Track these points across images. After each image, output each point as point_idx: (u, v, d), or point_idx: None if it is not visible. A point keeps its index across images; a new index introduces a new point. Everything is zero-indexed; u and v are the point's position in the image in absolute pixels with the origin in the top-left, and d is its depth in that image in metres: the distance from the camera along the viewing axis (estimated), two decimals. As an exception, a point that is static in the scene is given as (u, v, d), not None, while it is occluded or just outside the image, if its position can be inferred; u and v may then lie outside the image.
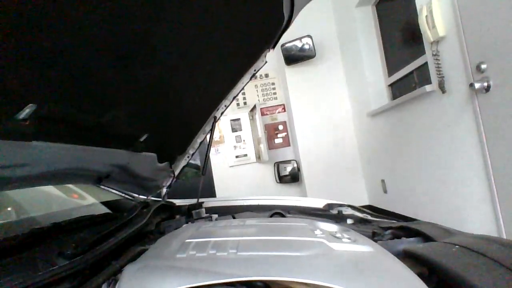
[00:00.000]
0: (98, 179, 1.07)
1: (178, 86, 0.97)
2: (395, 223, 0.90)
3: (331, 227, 0.74)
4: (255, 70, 1.21)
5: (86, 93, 0.69)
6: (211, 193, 3.79)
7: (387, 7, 3.05)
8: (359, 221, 1.05)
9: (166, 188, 1.39)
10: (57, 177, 0.87)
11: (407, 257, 0.62)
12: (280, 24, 1.01)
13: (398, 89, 3.00)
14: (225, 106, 1.31)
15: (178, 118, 1.16)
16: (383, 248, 0.62)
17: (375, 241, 0.72)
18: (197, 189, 1.27)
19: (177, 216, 1.18)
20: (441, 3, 1.91)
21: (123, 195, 1.35)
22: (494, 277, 0.48)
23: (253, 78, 1.26)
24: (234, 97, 1.30)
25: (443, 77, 1.98)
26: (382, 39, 3.18)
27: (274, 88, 4.05)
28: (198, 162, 3.81)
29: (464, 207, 2.01)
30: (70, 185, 1.32)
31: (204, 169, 1.31)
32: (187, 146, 1.37)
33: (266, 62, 1.20)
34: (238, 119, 3.93)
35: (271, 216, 1.10)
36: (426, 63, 2.25)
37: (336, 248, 0.57)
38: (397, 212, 2.88)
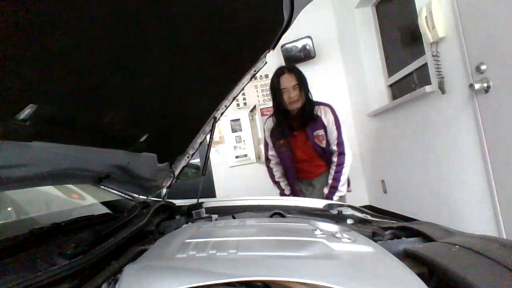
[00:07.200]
0: (98, 179, 1.07)
1: (178, 87, 0.97)
2: (395, 223, 0.90)
3: (331, 227, 0.74)
4: (255, 71, 1.21)
5: (87, 94, 0.69)
6: (211, 193, 3.79)
7: (387, 8, 3.06)
8: (359, 221, 1.05)
9: (166, 188, 1.39)
10: (57, 177, 0.87)
11: (407, 257, 0.62)
12: (280, 25, 1.01)
13: (398, 89, 3.00)
14: (225, 106, 1.30)
15: (178, 119, 1.16)
16: (383, 248, 0.62)
17: (375, 241, 0.72)
18: (197, 189, 1.27)
19: (177, 216, 1.18)
20: (441, 4, 1.91)
21: (123, 195, 1.35)
22: (494, 277, 0.48)
23: (253, 79, 1.26)
24: (234, 98, 1.30)
25: (443, 77, 1.98)
26: (382, 40, 3.18)
27: (274, 89, 4.04)
28: (198, 162, 3.81)
29: (464, 207, 2.01)
30: (70, 185, 1.32)
31: (204, 169, 1.31)
32: (187, 146, 1.37)
33: (266, 62, 1.20)
34: (238, 120, 3.93)
35: (271, 216, 1.09)
36: (426, 64, 2.25)
37: (336, 248, 0.57)
38: (397, 212, 2.88)
